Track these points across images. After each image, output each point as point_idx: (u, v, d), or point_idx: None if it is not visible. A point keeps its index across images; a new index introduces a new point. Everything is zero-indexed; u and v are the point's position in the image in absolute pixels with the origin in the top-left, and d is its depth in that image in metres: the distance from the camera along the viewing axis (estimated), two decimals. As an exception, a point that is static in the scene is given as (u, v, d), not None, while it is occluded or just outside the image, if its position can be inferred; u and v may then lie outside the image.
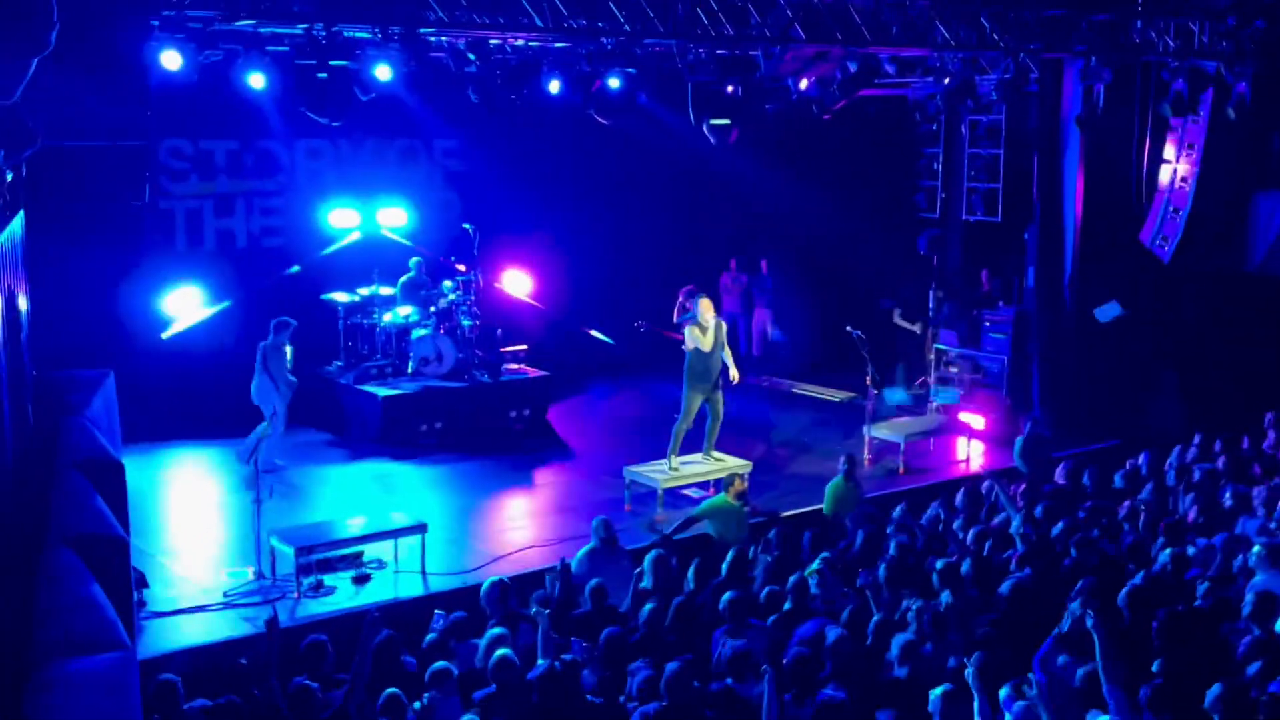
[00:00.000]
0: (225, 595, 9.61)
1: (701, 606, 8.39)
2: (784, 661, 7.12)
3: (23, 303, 6.96)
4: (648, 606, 8.13)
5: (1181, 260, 14.68)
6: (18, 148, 5.21)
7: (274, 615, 7.73)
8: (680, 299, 13.38)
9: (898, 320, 16.83)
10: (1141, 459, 12.09)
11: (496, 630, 7.75)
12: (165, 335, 13.59)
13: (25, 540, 4.72)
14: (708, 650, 7.86)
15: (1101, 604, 7.65)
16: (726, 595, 8.08)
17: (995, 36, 13.14)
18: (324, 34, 10.39)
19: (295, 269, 14.93)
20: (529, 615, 8.00)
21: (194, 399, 13.70)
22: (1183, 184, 14.51)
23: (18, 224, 6.97)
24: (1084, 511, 10.21)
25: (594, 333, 16.19)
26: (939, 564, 8.57)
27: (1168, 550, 8.96)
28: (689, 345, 12.01)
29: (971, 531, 9.88)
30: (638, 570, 9.04)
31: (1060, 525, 9.67)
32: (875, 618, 8.00)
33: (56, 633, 3.76)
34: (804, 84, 13.26)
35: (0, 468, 5.26)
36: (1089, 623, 6.78)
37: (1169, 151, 14.65)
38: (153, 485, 12.36)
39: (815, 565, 8.92)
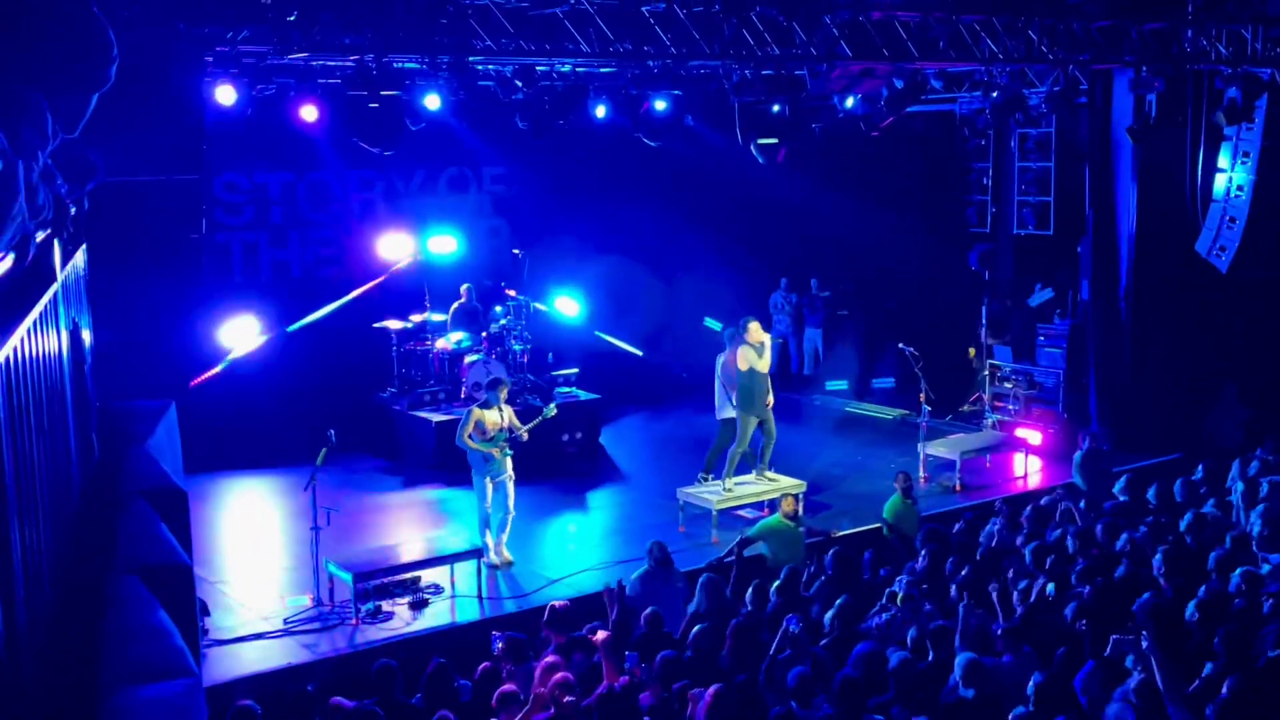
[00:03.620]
0: (285, 622, 9.68)
1: (757, 628, 8.31)
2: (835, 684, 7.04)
3: (86, 335, 7.08)
4: (696, 629, 8.07)
5: (1239, 270, 14.43)
6: (81, 181, 5.29)
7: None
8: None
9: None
10: (1198, 472, 11.86)
11: (554, 655, 7.75)
12: (223, 364, 13.73)
13: (92, 568, 4.78)
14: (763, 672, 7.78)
15: (1164, 621, 7.51)
16: (787, 620, 7.98)
17: (1044, 48, 13.03)
18: (375, 65, 10.54)
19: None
20: (587, 639, 7.98)
21: (252, 428, 13.85)
22: (1239, 193, 14.28)
23: (80, 257, 7.10)
24: (1145, 526, 10.04)
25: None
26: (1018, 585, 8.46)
27: (1239, 569, 8.74)
28: (743, 367, 11.91)
29: (1029, 548, 9.73)
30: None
31: (1121, 540, 9.52)
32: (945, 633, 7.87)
33: (126, 660, 3.79)
34: (850, 101, 13.26)
35: (67, 496, 5.34)
36: (1144, 644, 6.65)
37: (1223, 160, 14.42)
38: (211, 513, 12.49)
39: (900, 589, 8.76)
